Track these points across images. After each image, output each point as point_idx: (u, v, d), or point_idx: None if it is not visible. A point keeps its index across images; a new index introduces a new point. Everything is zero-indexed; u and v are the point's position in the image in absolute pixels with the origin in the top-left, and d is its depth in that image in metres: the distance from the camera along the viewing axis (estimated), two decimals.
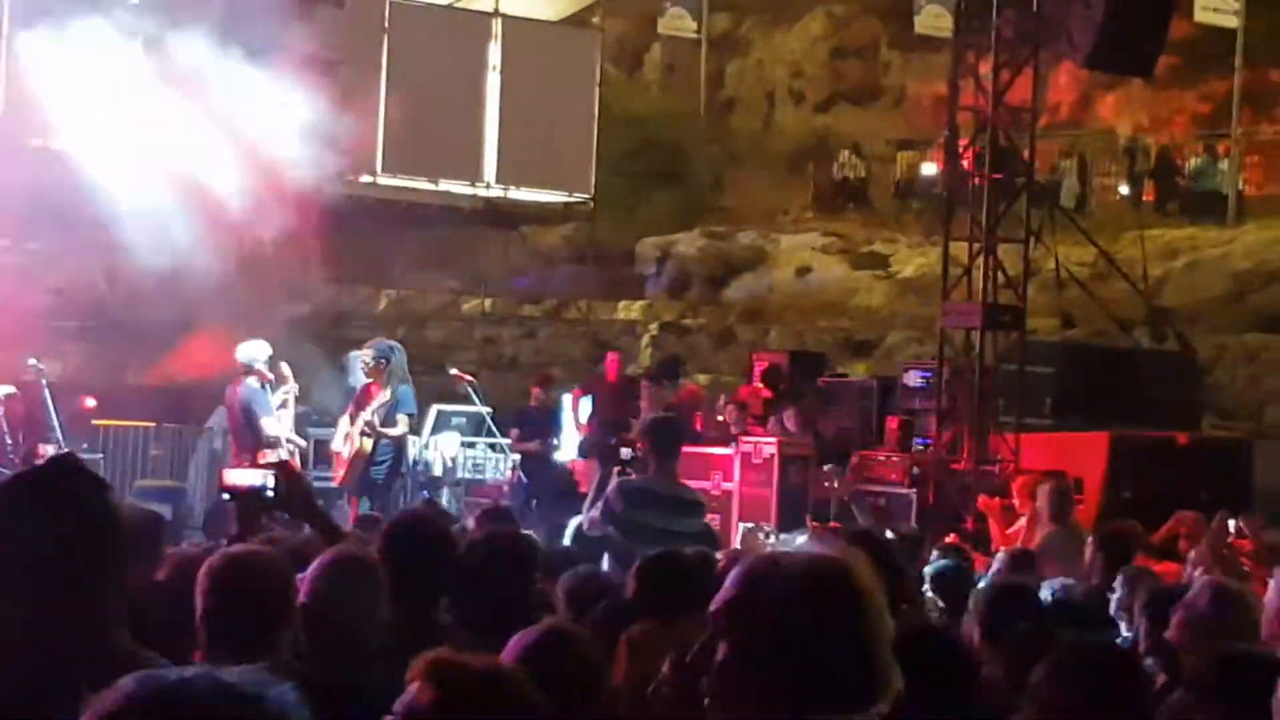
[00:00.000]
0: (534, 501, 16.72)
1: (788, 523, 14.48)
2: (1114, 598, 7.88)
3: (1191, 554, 10.76)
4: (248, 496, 5.63)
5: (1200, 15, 27.16)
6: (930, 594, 8.32)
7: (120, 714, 1.99)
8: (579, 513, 9.92)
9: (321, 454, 15.81)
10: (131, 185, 16.26)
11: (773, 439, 16.49)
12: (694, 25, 33.27)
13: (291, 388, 14.27)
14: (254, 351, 14.06)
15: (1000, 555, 9.94)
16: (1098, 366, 18.96)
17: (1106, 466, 16.14)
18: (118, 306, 17.79)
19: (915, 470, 16.47)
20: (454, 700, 2.92)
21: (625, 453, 9.59)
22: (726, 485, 16.02)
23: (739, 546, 12.62)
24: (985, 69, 17.09)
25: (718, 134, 34.17)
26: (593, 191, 25.25)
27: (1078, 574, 10.10)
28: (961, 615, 7.11)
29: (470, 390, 17.85)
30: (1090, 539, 9.99)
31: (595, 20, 29.11)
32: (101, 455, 16.44)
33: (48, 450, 13.12)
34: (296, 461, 13.36)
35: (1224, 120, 28.81)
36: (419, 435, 17.46)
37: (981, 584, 7.92)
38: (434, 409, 18.60)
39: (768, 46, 35.96)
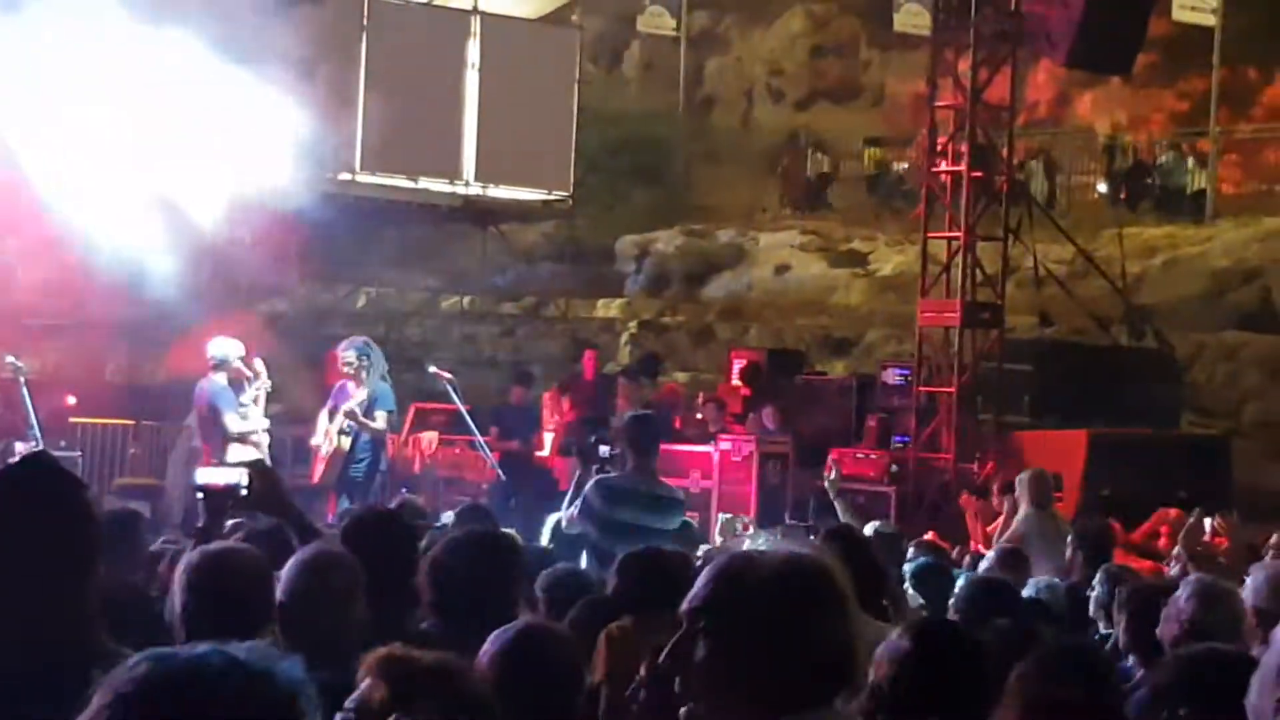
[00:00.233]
0: (513, 499, 16.70)
1: (766, 520, 14.50)
2: (1093, 596, 7.90)
3: (1174, 551, 10.79)
4: (222, 496, 5.61)
5: (1179, 14, 27.19)
6: (911, 591, 8.34)
7: (135, 693, 2.01)
8: (558, 510, 9.91)
9: (300, 451, 15.77)
10: (107, 184, 16.20)
11: (751, 437, 16.51)
12: (673, 23, 33.23)
13: (264, 383, 14.24)
14: (225, 348, 14.04)
15: (991, 554, 9.95)
16: (1076, 364, 18.96)
17: (1085, 464, 16.17)
18: (96, 304, 17.69)
19: (894, 468, 16.50)
20: (405, 695, 2.92)
21: (604, 450, 9.60)
22: (705, 483, 16.03)
23: (718, 538, 12.65)
24: (964, 67, 17.13)
25: (697, 132, 34.14)
26: (572, 189, 25.18)
27: (1058, 558, 10.14)
28: (943, 612, 7.13)
29: (450, 388, 17.80)
30: (1070, 538, 10.03)
31: (574, 18, 29.08)
32: (80, 453, 16.38)
33: (24, 448, 13.05)
34: (264, 454, 13.36)
35: (1202, 118, 28.85)
36: (398, 432, 17.42)
37: (961, 580, 7.95)
38: (413, 407, 18.57)
39: (747, 44, 35.97)
